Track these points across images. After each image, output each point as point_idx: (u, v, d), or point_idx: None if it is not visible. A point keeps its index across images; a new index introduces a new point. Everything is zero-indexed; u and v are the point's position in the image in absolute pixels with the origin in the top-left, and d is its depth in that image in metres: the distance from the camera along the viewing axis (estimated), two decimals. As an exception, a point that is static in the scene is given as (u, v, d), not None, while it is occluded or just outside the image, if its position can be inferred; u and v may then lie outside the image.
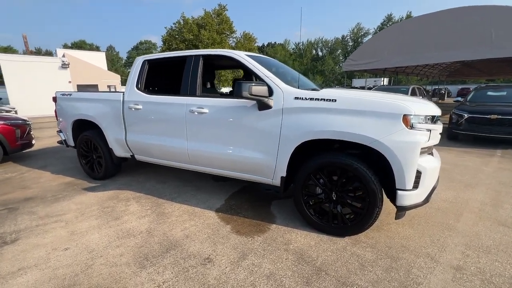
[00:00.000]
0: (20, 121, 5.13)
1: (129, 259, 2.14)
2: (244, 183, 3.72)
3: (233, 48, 27.85)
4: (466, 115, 6.35)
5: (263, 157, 2.57)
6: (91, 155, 4.01)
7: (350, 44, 54.35)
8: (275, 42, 65.14)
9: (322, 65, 50.99)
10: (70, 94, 4.04)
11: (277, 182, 2.59)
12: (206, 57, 3.02)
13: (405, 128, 2.03)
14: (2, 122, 4.79)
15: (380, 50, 11.76)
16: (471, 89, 9.39)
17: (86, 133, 3.93)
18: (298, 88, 2.51)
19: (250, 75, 3.71)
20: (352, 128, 2.14)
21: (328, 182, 2.37)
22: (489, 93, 7.32)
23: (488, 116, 6.01)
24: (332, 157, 2.29)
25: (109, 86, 16.46)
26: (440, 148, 6.04)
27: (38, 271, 2.01)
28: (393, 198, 2.18)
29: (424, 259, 2.09)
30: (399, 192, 2.09)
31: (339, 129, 2.19)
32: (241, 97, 2.34)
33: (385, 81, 31.07)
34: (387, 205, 2.59)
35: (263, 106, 2.48)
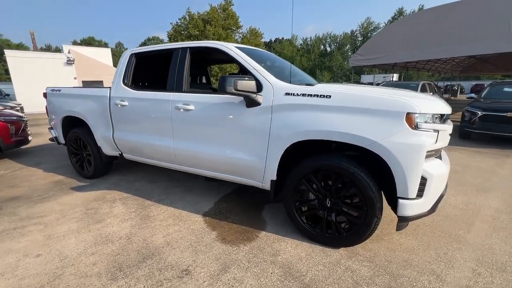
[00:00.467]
0: (15, 118, 5.05)
1: (102, 269, 1.97)
2: (237, 184, 3.51)
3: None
4: (479, 113, 5.95)
5: (252, 159, 2.35)
6: (81, 153, 3.88)
7: (360, 39, 53.04)
8: (282, 38, 64.26)
9: (330, 60, 49.95)
10: (59, 90, 3.90)
11: (267, 186, 2.37)
12: (193, 50, 2.80)
13: (408, 128, 1.77)
14: (-4, 118, 4.72)
15: (388, 44, 11.28)
16: (485, 85, 8.87)
17: (76, 130, 3.79)
18: (290, 82, 2.27)
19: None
20: (348, 128, 1.90)
21: (322, 187, 2.14)
22: (506, 89, 6.87)
23: (504, 114, 5.61)
24: (326, 160, 2.05)
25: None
26: (451, 147, 5.70)
27: (2, 281, 1.86)
28: (394, 206, 1.93)
29: (428, 277, 1.84)
30: (400, 201, 1.85)
31: (333, 128, 1.94)
32: (226, 93, 2.11)
33: (395, 77, 30.17)
34: (389, 212, 2.34)
35: (251, 102, 2.25)
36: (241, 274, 1.89)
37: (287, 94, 2.16)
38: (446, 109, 1.99)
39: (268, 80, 2.27)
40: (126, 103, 3.10)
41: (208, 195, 3.26)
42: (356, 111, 1.90)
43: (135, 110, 3.05)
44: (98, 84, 15.83)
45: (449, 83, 26.19)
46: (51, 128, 4.24)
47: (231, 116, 2.39)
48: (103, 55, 20.00)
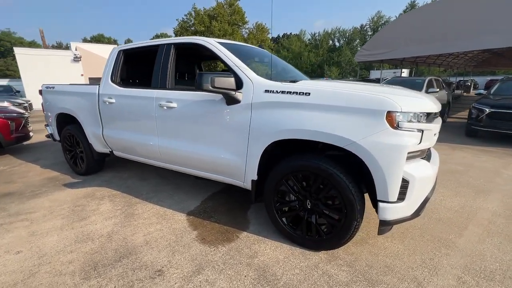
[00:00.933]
0: (15, 114, 5.15)
1: (77, 267, 1.97)
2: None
3: (245, 40, 27.31)
4: (487, 110, 5.69)
5: (232, 158, 2.29)
6: (75, 150, 3.91)
7: (369, 33, 51.78)
8: (290, 33, 63.49)
9: (339, 56, 49.01)
10: (53, 87, 3.93)
11: (248, 185, 2.31)
12: (178, 46, 2.75)
13: (389, 128, 1.67)
14: (-4, 115, 4.82)
15: (396, 38, 10.90)
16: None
17: (69, 127, 3.82)
18: (271, 79, 2.19)
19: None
20: (326, 127, 1.81)
21: (302, 188, 2.06)
22: (518, 85, 6.54)
23: (514, 111, 5.34)
24: (305, 160, 1.97)
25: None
26: (455, 146, 5.49)
27: (-21, 277, 1.88)
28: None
29: (409, 284, 1.75)
30: (380, 204, 1.75)
31: (312, 127, 1.86)
32: (203, 90, 2.05)
33: (405, 72, 29.34)
34: (376, 215, 2.24)
35: (230, 100, 2.19)
36: (214, 276, 1.85)
37: (266, 91, 2.08)
38: (432, 107, 1.86)
39: (248, 77, 2.19)
40: (113, 100, 3.08)
41: (196, 194, 3.23)
42: (335, 109, 1.81)
43: (121, 108, 3.04)
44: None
45: (462, 79, 25.30)
46: (47, 125, 4.30)
47: (211, 114, 2.34)
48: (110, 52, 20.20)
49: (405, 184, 1.71)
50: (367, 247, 2.14)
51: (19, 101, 10.81)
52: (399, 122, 1.67)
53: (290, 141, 2.04)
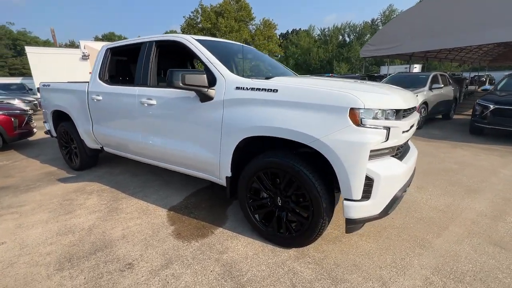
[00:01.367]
0: (18, 111, 5.35)
1: (54, 259, 2.04)
2: (213, 179, 3.50)
3: (252, 36, 27.21)
4: (492, 106, 5.47)
5: (207, 154, 2.31)
6: (70, 145, 4.04)
7: (381, 28, 50.51)
8: (299, 29, 62.70)
9: (349, 51, 48.09)
10: (49, 85, 4.05)
11: (223, 182, 2.32)
12: (159, 44, 2.77)
13: (351, 125, 1.64)
14: (0, 112, 5.02)
15: (403, 32, 10.58)
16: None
17: (63, 124, 3.94)
18: (243, 76, 2.18)
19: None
20: (291, 124, 1.79)
21: (272, 185, 2.06)
22: (527, 80, 6.24)
23: (519, 108, 5.11)
24: (273, 158, 1.96)
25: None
26: (456, 144, 5.32)
27: (-38, 266, 1.99)
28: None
29: (373, 283, 1.73)
30: (345, 202, 1.73)
31: (277, 124, 1.85)
32: (174, 87, 2.07)
33: (418, 68, 28.48)
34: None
35: (203, 97, 2.20)
36: (181, 270, 1.88)
37: (237, 88, 2.08)
38: (401, 103, 1.81)
39: (221, 73, 2.20)
40: (100, 97, 3.15)
41: (182, 189, 3.28)
42: (300, 106, 1.79)
43: (108, 105, 3.10)
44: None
45: (477, 74, 24.33)
46: (45, 122, 4.44)
47: (186, 111, 2.36)
48: (119, 50, 20.55)
49: (369, 183, 1.68)
50: (339, 245, 2.12)
51: (30, 98, 11.20)
52: (362, 119, 1.63)
53: (265, 138, 2.04)
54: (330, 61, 48.92)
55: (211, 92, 2.17)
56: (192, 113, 2.32)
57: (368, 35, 51.59)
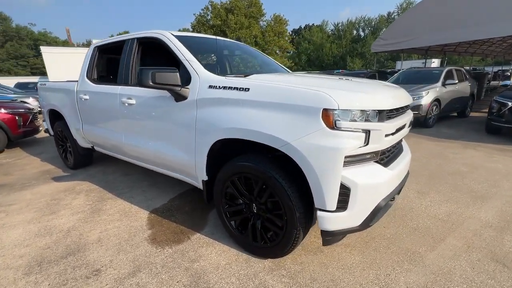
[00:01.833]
0: (23, 110, 5.48)
1: (25, 262, 2.01)
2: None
3: (262, 33, 26.88)
4: (510, 103, 5.03)
5: (183, 156, 2.21)
6: (65, 144, 4.06)
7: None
8: (312, 24, 61.45)
9: (363, 46, 46.63)
10: (45, 84, 4.09)
11: (201, 185, 2.21)
12: (141, 41, 2.68)
13: (324, 127, 1.47)
14: (4, 111, 5.15)
15: (418, 25, 9.99)
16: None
17: (58, 123, 3.97)
18: (219, 73, 2.04)
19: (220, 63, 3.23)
20: (262, 126, 1.65)
21: (247, 191, 1.92)
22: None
23: (541, 105, 4.66)
24: (246, 162, 1.82)
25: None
26: (469, 143, 4.95)
27: None
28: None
29: (349, 303, 1.56)
30: (319, 213, 1.57)
31: (248, 126, 1.70)
32: (145, 86, 1.97)
33: (436, 62, 27.16)
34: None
35: (177, 96, 2.09)
36: (147, 280, 1.79)
37: (210, 87, 1.95)
38: (385, 103, 1.61)
39: (196, 71, 2.07)
40: (87, 97, 3.12)
41: (169, 190, 3.20)
42: (272, 106, 1.64)
43: (94, 104, 3.06)
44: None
45: (501, 68, 22.87)
46: (44, 120, 4.50)
47: (163, 111, 2.26)
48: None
49: (345, 192, 1.51)
50: (319, 257, 1.96)
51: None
52: (337, 121, 1.46)
53: (240, 141, 1.90)
54: (343, 57, 47.70)
55: (184, 91, 2.05)
56: (168, 113, 2.21)
57: (384, 29, 49.86)
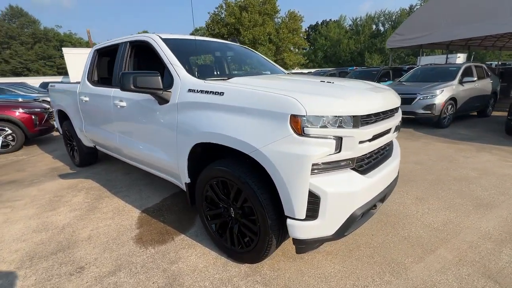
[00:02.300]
0: (38, 109, 5.80)
1: (19, 256, 2.13)
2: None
3: (276, 30, 26.60)
4: (532, 103, 4.64)
5: (168, 159, 2.24)
6: (72, 143, 4.26)
7: (420, 14, 46.16)
8: (330, 19, 60.03)
9: (382, 41, 44.92)
10: (54, 86, 4.29)
11: (184, 188, 2.24)
12: (133, 44, 2.73)
13: (292, 134, 1.42)
14: (22, 110, 5.48)
15: (438, 18, 9.42)
16: None
17: (65, 122, 4.16)
18: (198, 76, 2.04)
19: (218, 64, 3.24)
20: (234, 132, 1.63)
21: (224, 195, 1.91)
22: None
23: None
24: (221, 166, 1.81)
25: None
26: (485, 146, 4.64)
27: None
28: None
29: (319, 314, 1.52)
30: (288, 220, 1.53)
31: (221, 131, 1.69)
32: (127, 90, 2.00)
33: (462, 57, 25.63)
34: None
35: (160, 100, 2.11)
36: (125, 279, 1.84)
37: (189, 90, 1.96)
38: (361, 108, 1.53)
39: (178, 75, 2.09)
40: (87, 98, 3.24)
41: (163, 190, 3.26)
42: (244, 111, 1.61)
43: (92, 106, 3.18)
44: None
45: (534, 63, 21.13)
46: (54, 120, 4.74)
47: (148, 114, 2.30)
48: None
49: (315, 200, 1.46)
50: (298, 264, 1.92)
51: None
52: (304, 128, 1.41)
53: (218, 145, 1.89)
54: (361, 53, 46.24)
55: (167, 94, 2.07)
56: (153, 116, 2.25)
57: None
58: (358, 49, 46.89)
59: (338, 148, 1.46)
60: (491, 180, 3.25)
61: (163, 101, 2.10)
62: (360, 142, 1.52)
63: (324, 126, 1.44)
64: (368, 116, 1.59)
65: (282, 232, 1.72)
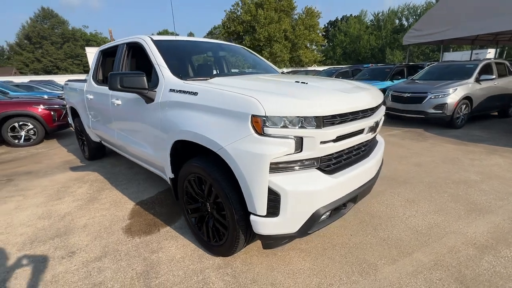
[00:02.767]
0: (57, 106, 6.22)
1: (22, 240, 2.36)
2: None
3: (292, 27, 26.29)
4: (553, 104, 4.31)
5: (155, 154, 2.37)
6: (82, 138, 4.55)
7: (448, 8, 43.49)
8: (350, 15, 58.29)
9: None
10: (68, 84, 4.60)
11: (169, 183, 2.36)
12: (129, 46, 2.89)
13: (253, 133, 1.48)
14: (42, 107, 5.92)
15: (460, 11, 8.91)
16: None
17: (76, 119, 4.45)
18: (180, 76, 2.14)
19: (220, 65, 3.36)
20: (205, 130, 1.71)
21: (200, 191, 2.01)
22: None
23: None
24: (195, 163, 1.90)
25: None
26: (498, 148, 4.40)
27: (-40, 238, 2.44)
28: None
29: (279, 308, 1.57)
30: (251, 216, 1.60)
31: (194, 129, 1.79)
32: (115, 89, 2.14)
33: (492, 53, 23.96)
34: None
35: (147, 99, 2.24)
36: (108, 265, 1.99)
37: (171, 90, 2.06)
38: (324, 109, 1.54)
39: (163, 75, 2.20)
40: (92, 96, 3.46)
41: (159, 184, 3.43)
42: (214, 111, 1.69)
43: (96, 103, 3.39)
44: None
45: None
46: (69, 116, 5.08)
47: (138, 112, 2.44)
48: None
49: (275, 198, 1.51)
50: (270, 259, 1.98)
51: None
52: (264, 128, 1.46)
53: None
54: (382, 49, 44.54)
55: (152, 94, 2.19)
56: (141, 114, 2.39)
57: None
58: (379, 45, 45.17)
59: (299, 148, 1.50)
60: (493, 185, 3.10)
61: (149, 100, 2.23)
62: (322, 142, 1.54)
63: (285, 126, 1.48)
64: (333, 117, 1.60)
65: (251, 228, 1.79)
